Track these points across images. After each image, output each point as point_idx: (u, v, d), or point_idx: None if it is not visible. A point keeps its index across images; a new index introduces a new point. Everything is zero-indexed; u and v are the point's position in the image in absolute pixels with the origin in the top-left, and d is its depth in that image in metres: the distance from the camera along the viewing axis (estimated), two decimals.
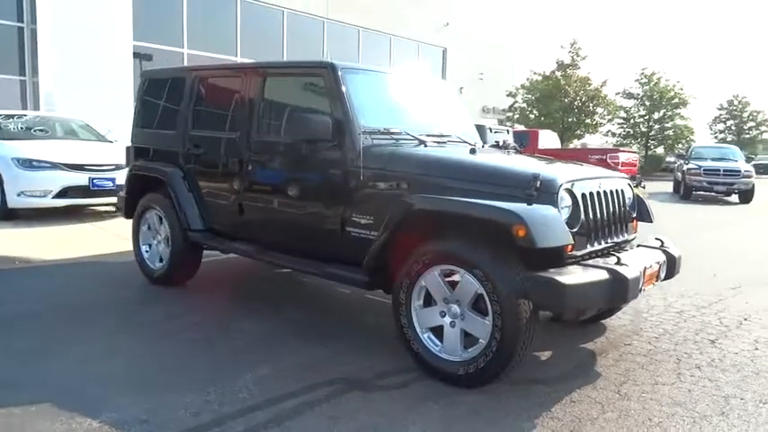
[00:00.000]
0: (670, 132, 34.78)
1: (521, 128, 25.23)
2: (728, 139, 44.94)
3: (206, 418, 2.70)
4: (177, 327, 4.05)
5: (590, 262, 3.14)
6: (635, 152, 20.20)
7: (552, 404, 2.94)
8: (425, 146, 3.82)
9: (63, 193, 7.87)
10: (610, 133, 35.21)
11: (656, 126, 35.16)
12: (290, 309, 4.58)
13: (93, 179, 8.01)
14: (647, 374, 3.38)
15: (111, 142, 9.46)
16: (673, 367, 3.50)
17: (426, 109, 4.58)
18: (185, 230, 4.70)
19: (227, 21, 17.59)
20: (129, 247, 6.26)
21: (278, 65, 4.62)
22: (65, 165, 7.88)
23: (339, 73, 3.78)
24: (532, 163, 3.67)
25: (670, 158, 32.78)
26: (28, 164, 7.76)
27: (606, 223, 3.41)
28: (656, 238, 3.82)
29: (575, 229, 3.07)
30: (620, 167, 13.59)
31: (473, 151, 3.70)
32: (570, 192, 3.14)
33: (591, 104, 29.45)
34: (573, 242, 2.97)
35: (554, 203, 3.01)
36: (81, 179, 7.95)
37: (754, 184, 16.44)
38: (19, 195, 7.71)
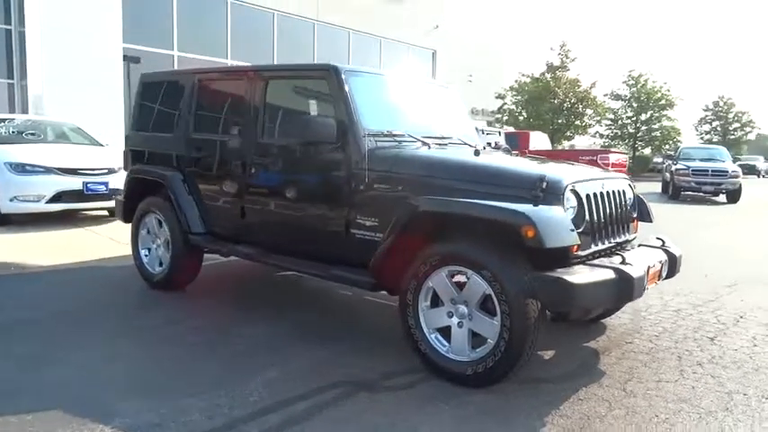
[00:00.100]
0: (657, 133, 35.13)
1: (510, 129, 25.37)
2: (714, 140, 45.47)
3: (219, 421, 2.70)
4: (180, 331, 4.04)
5: (595, 262, 3.18)
6: (624, 153, 20.39)
7: (560, 402, 2.97)
8: (429, 148, 3.85)
9: (57, 198, 7.80)
10: (597, 134, 35.51)
11: (644, 127, 35.52)
12: (290, 311, 4.58)
13: (86, 183, 7.94)
14: (650, 372, 3.42)
15: (102, 146, 9.41)
16: (675, 364, 3.55)
17: (427, 111, 4.60)
18: (186, 234, 4.69)
19: (217, 23, 17.54)
20: (126, 251, 6.25)
21: (281, 68, 4.64)
22: (58, 169, 7.81)
23: (342, 76, 3.80)
24: (537, 164, 3.70)
25: (657, 159, 33.14)
26: (21, 168, 7.69)
27: (609, 223, 3.45)
28: (657, 238, 3.88)
29: (580, 230, 3.10)
30: (609, 168, 13.73)
31: (477, 153, 3.73)
32: (575, 192, 3.18)
33: (580, 106, 29.69)
34: (579, 242, 3.01)
35: (560, 204, 3.05)
36: (75, 183, 7.88)
37: (741, 184, 16.66)
38: (12, 200, 7.63)
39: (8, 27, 14.03)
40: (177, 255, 4.80)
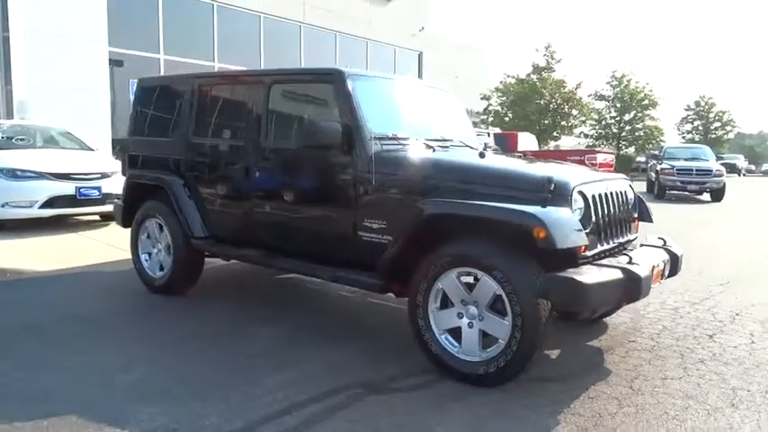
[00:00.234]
0: (641, 133, 35.53)
1: (497, 130, 25.54)
2: (696, 140, 46.04)
3: (237, 424, 2.72)
4: (185, 335, 4.05)
5: (602, 262, 3.23)
6: (611, 153, 20.62)
7: (571, 401, 3.02)
8: (433, 150, 3.88)
9: (49, 203, 7.74)
10: (582, 135, 35.84)
11: (627, 127, 35.90)
12: (293, 313, 4.61)
13: (79, 188, 7.89)
14: (654, 370, 3.49)
15: (93, 150, 9.34)
16: (678, 362, 3.62)
17: (428, 114, 4.64)
18: (188, 238, 4.68)
19: (203, 26, 17.44)
20: (122, 255, 6.25)
21: (285, 72, 4.64)
22: (51, 174, 7.75)
23: (347, 80, 3.82)
24: (542, 166, 3.76)
25: (640, 158, 33.52)
26: (12, 174, 7.61)
27: (613, 224, 3.51)
28: (659, 237, 3.95)
29: (586, 230, 3.16)
30: (597, 168, 13.89)
31: (482, 155, 3.77)
32: (582, 194, 3.23)
33: (566, 106, 29.96)
34: (587, 243, 3.06)
35: (568, 205, 3.10)
36: (68, 188, 7.83)
37: (725, 183, 16.92)
38: (4, 206, 7.55)
39: None
40: (179, 259, 4.80)
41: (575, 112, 31.15)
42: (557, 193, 3.09)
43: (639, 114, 35.50)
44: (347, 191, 3.77)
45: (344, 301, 5.05)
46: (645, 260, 3.32)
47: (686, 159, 17.78)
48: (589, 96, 34.99)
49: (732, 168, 35.71)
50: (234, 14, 18.03)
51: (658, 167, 17.51)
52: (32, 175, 7.67)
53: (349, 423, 2.77)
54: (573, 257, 3.07)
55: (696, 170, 16.80)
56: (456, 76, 27.28)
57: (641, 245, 3.87)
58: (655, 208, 4.41)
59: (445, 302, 3.29)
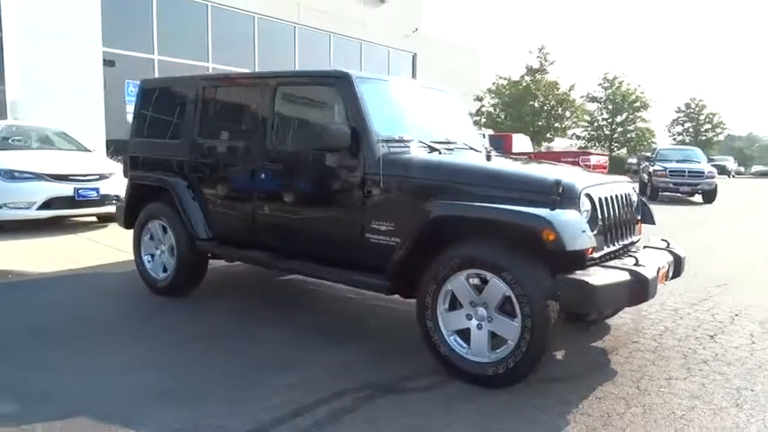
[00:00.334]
0: (632, 135, 35.77)
1: (489, 131, 25.61)
2: (686, 141, 46.37)
3: (250, 425, 2.74)
4: (190, 337, 4.06)
5: (609, 263, 3.28)
6: (605, 154, 20.75)
7: (579, 401, 3.06)
8: (439, 153, 3.91)
9: (47, 205, 7.71)
10: (574, 136, 36.05)
11: (619, 129, 36.13)
12: (296, 315, 4.64)
13: (78, 189, 7.87)
14: (659, 370, 3.53)
15: (90, 151, 9.31)
16: (681, 362, 3.67)
17: (432, 116, 4.67)
18: (192, 239, 4.69)
19: (197, 27, 17.40)
20: (123, 257, 6.25)
21: (290, 74, 4.67)
22: (49, 175, 7.72)
23: (355, 83, 3.85)
24: (549, 169, 3.79)
25: (632, 160, 33.71)
26: (10, 175, 7.58)
27: (618, 226, 3.56)
28: (662, 239, 4.00)
29: (594, 232, 3.20)
30: (591, 169, 13.98)
31: (489, 158, 3.81)
32: (589, 196, 3.27)
33: (560, 108, 30.13)
34: (595, 245, 3.10)
35: (576, 208, 3.14)
36: (66, 190, 7.80)
37: (716, 185, 17.06)
38: (1, 207, 7.52)
39: None
40: (183, 260, 4.80)
41: (568, 113, 31.33)
42: (565, 196, 3.12)
43: (631, 116, 35.76)
44: (355, 193, 3.79)
45: (349, 301, 5.07)
46: (651, 262, 3.37)
47: (678, 161, 17.93)
48: (581, 98, 35.23)
49: (722, 170, 35.92)
50: (228, 15, 18.00)
51: (651, 169, 17.65)
52: (30, 176, 7.64)
53: (361, 424, 2.79)
54: (581, 259, 3.11)
55: (688, 172, 16.95)
56: (449, 77, 27.32)
57: (645, 247, 3.92)
58: None
59: (454, 304, 3.32)
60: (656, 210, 4.39)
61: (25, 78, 13.54)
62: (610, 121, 36.12)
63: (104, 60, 15.02)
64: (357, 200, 3.78)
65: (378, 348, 3.84)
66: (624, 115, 35.72)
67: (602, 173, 15.17)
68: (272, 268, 4.62)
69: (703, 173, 16.95)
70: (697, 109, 49.46)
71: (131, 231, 5.38)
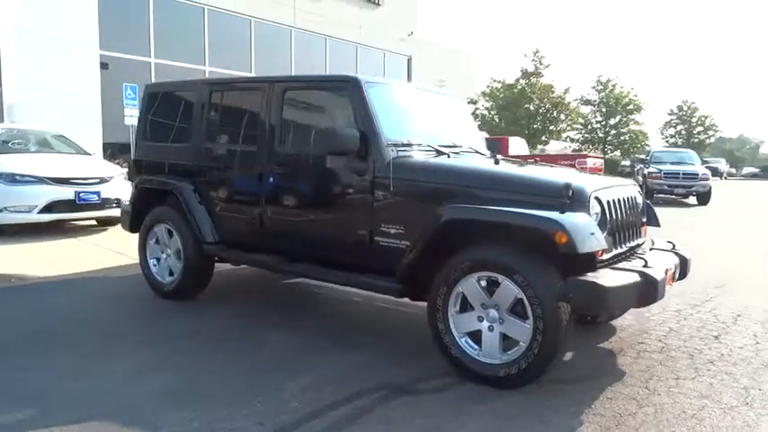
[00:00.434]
0: (626, 137, 35.98)
1: (485, 134, 25.70)
2: (679, 143, 46.66)
3: (269, 427, 2.76)
4: (200, 340, 4.07)
5: (618, 265, 3.32)
6: (601, 157, 20.87)
7: (591, 401, 3.10)
8: (448, 156, 3.95)
9: (48, 208, 7.69)
10: (568, 139, 36.23)
11: (613, 131, 36.33)
12: (304, 318, 4.66)
13: (79, 193, 7.85)
14: (667, 370, 3.58)
15: (90, 154, 9.30)
16: (688, 363, 3.71)
17: (439, 120, 4.71)
18: (199, 243, 4.70)
19: (194, 30, 17.40)
20: (125, 261, 6.26)
21: (299, 78, 4.70)
22: (50, 179, 7.70)
23: (364, 86, 3.88)
24: (558, 172, 3.83)
25: (625, 162, 33.91)
26: (11, 178, 7.56)
27: (625, 228, 3.60)
28: (668, 241, 4.05)
29: (603, 235, 3.24)
30: (587, 171, 14.06)
31: (497, 161, 3.85)
32: (598, 199, 3.31)
33: (555, 111, 30.28)
34: (606, 247, 3.14)
35: (586, 211, 3.18)
36: (67, 193, 7.78)
37: (711, 187, 17.19)
38: (2, 211, 7.50)
39: None
40: (189, 264, 4.81)
41: (563, 116, 31.49)
42: (575, 199, 3.16)
43: (624, 119, 35.96)
44: (364, 197, 3.82)
45: (355, 304, 5.10)
46: (658, 263, 3.42)
47: (673, 163, 18.06)
48: (575, 101, 35.41)
49: (714, 172, 36.12)
50: (225, 18, 18.01)
51: (645, 171, 17.77)
52: (32, 179, 7.62)
53: (376, 425, 2.82)
54: (591, 261, 3.15)
55: (683, 174, 17.09)
56: (442, 80, 27.42)
57: (651, 248, 3.96)
58: None
59: (464, 306, 3.35)
60: None
61: (22, 81, 13.51)
62: (603, 123, 36.34)
63: (101, 63, 15.00)
64: (367, 203, 3.81)
65: (388, 351, 3.86)
66: (617, 118, 35.94)
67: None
68: (279, 271, 4.64)
69: (698, 175, 17.09)
70: (689, 111, 49.79)
71: (133, 235, 5.39)
